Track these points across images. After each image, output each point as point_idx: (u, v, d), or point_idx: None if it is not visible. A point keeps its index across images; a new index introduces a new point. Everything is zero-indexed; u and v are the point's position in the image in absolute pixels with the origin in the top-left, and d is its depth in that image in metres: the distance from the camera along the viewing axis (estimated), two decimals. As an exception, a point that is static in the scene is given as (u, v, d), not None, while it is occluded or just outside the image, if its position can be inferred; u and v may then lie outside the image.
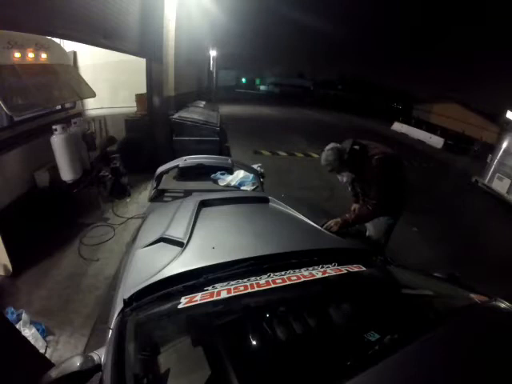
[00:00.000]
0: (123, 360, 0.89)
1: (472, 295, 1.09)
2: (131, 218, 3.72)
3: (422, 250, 3.76)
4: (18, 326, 1.93)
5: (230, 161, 3.39)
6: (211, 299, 1.04)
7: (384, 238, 2.28)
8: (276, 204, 2.04)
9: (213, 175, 3.49)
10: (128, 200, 4.25)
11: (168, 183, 3.30)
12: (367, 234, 2.34)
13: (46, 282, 2.58)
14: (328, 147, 2.06)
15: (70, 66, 4.57)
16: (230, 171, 3.51)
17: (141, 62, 5.32)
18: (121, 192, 4.28)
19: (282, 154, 7.89)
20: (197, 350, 0.94)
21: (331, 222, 1.88)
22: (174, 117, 5.71)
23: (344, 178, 2.25)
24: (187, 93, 8.90)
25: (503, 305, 1.00)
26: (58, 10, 2.85)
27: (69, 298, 2.43)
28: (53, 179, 3.56)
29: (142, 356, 0.94)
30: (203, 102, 9.47)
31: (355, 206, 2.43)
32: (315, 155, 7.73)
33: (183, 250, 1.42)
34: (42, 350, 1.90)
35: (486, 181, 6.76)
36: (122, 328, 1.03)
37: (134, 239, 1.80)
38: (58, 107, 4.29)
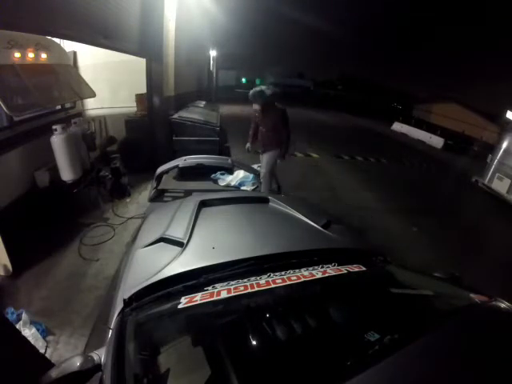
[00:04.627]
0: (123, 360, 0.88)
1: (472, 295, 1.09)
2: (131, 218, 3.72)
3: (421, 250, 3.76)
4: (18, 326, 1.94)
5: (230, 161, 3.38)
6: (211, 299, 1.04)
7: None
8: (276, 204, 2.04)
9: (213, 175, 3.49)
10: (128, 200, 4.25)
11: (168, 183, 3.29)
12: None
13: (46, 282, 2.58)
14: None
15: (70, 65, 4.57)
16: (230, 171, 3.51)
17: (141, 62, 5.31)
18: (121, 192, 4.29)
19: (282, 154, 7.87)
20: (197, 350, 0.94)
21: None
22: (174, 117, 5.70)
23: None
24: (187, 93, 8.87)
25: (503, 305, 1.00)
26: (58, 10, 2.85)
27: (69, 298, 2.43)
28: (53, 179, 3.56)
29: (142, 356, 0.94)
30: (203, 102, 9.44)
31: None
32: (315, 155, 7.73)
33: (183, 250, 1.41)
34: (42, 350, 1.90)
35: (486, 181, 6.76)
36: (122, 328, 1.03)
37: (134, 239, 1.80)
38: (58, 107, 4.29)
